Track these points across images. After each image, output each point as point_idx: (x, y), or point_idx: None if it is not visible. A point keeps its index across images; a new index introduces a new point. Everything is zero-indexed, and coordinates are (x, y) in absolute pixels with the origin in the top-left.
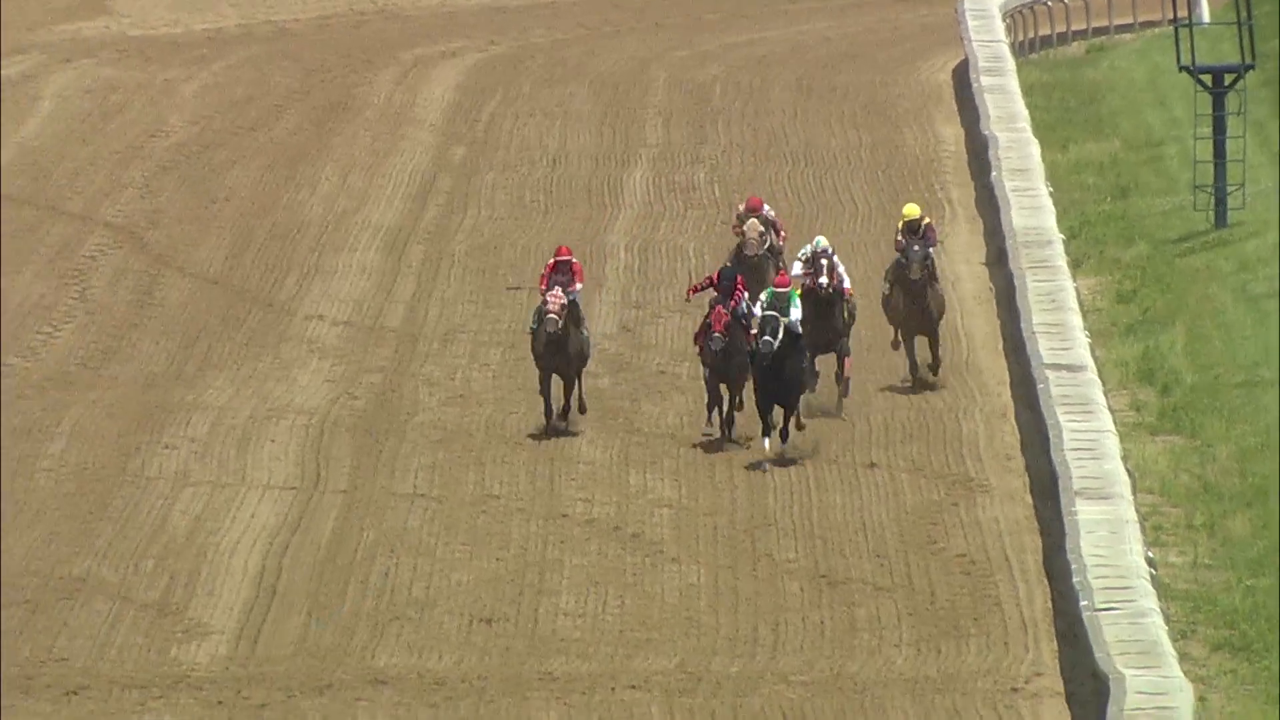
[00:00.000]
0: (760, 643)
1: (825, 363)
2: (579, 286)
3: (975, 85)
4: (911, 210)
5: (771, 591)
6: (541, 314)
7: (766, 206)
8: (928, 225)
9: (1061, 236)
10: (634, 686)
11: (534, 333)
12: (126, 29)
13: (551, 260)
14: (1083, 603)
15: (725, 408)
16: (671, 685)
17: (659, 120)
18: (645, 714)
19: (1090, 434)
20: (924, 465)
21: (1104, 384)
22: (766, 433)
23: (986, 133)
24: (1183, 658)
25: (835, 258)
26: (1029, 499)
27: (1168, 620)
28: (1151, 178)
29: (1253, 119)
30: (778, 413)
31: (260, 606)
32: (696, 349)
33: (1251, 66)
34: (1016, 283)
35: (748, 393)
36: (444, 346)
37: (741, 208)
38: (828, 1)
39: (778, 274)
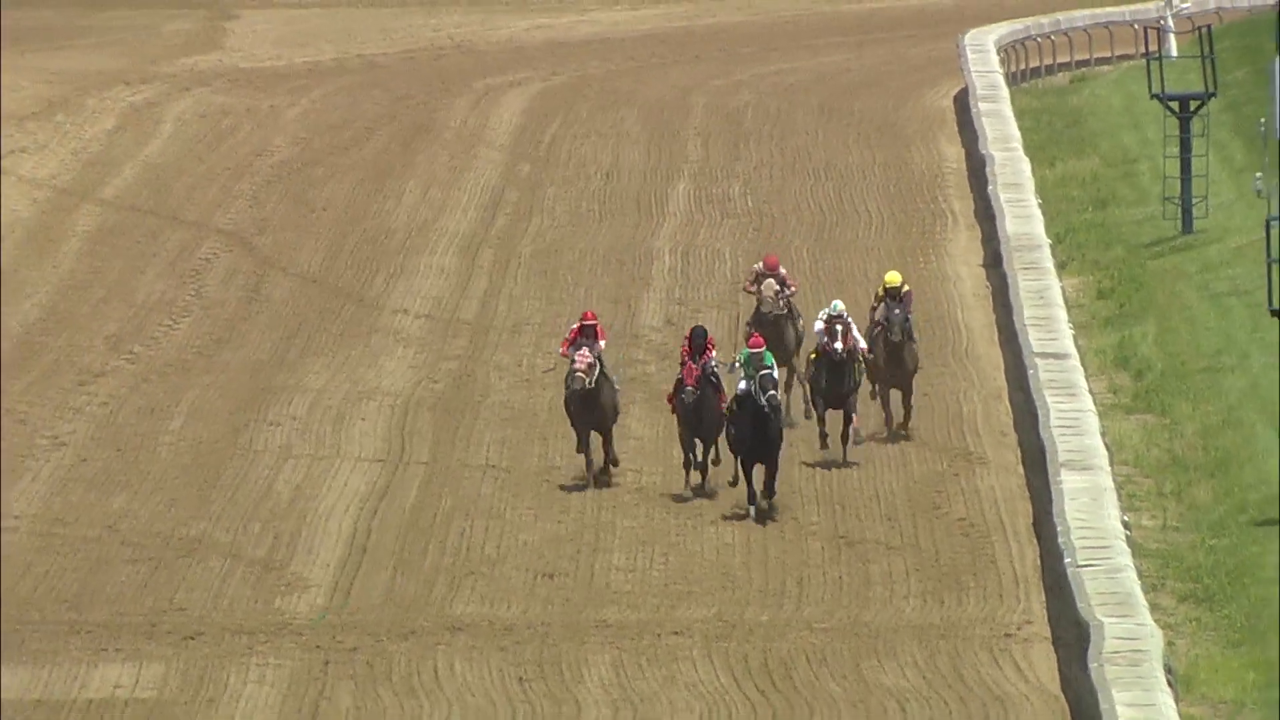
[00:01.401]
0: (787, 595)
1: (833, 419)
2: (603, 344)
3: (974, 110)
4: (893, 278)
5: (797, 550)
6: (571, 376)
7: (782, 268)
8: (907, 292)
9: (1049, 241)
10: (677, 633)
11: (567, 396)
12: (237, 62)
13: (576, 325)
14: (1067, 560)
15: (699, 456)
16: (710, 632)
17: (698, 140)
18: (687, 657)
19: (1073, 413)
20: (929, 440)
21: (1085, 370)
22: (752, 500)
23: (984, 151)
24: (1154, 608)
25: (850, 321)
26: (1020, 470)
27: (1140, 575)
28: (1127, 190)
29: (1215, 140)
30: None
31: (352, 563)
32: (670, 407)
33: (1213, 94)
34: (1009, 282)
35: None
36: (512, 337)
37: (759, 266)
38: (846, 38)
39: (797, 331)
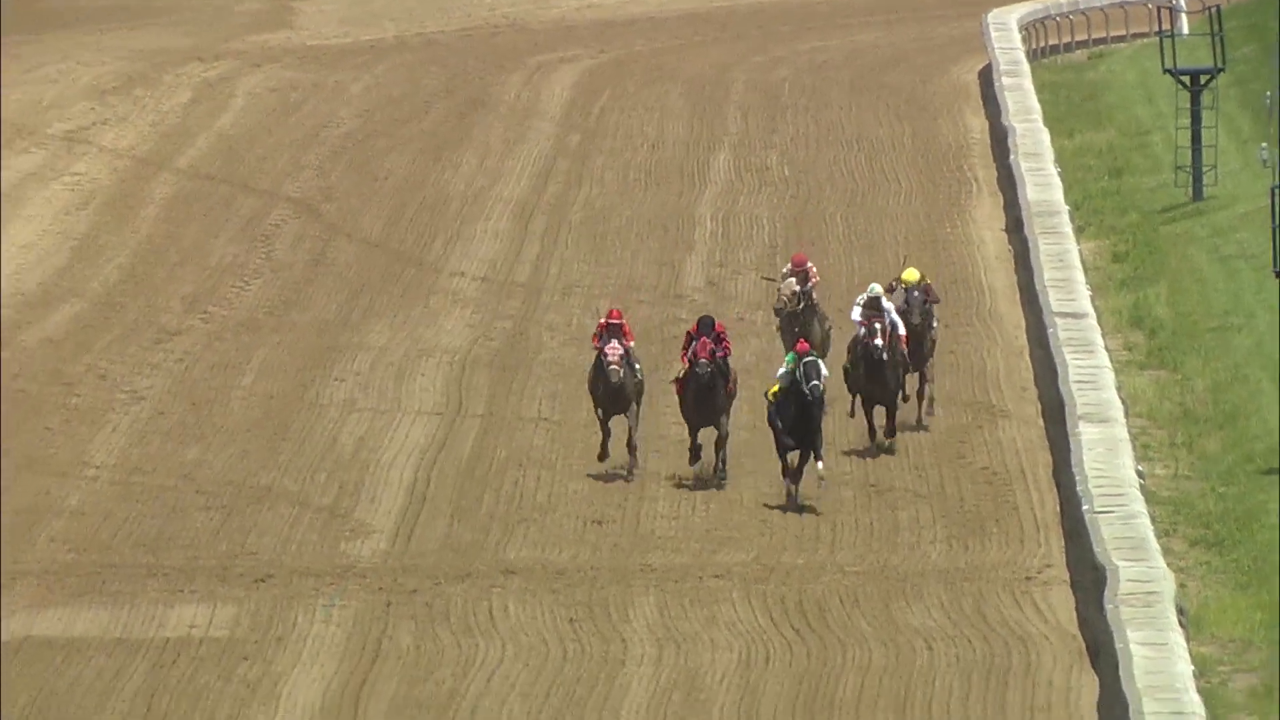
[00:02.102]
0: (820, 540)
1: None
2: (631, 344)
3: (997, 85)
4: (910, 275)
5: (829, 498)
6: (602, 366)
7: (810, 264)
8: (925, 286)
9: (1067, 208)
10: (718, 576)
11: (592, 380)
12: (305, 39)
13: (603, 320)
14: (1084, 507)
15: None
16: (748, 575)
17: (738, 113)
18: (727, 599)
19: (1091, 369)
20: (955, 395)
21: (1102, 328)
22: (788, 475)
23: (1006, 123)
24: (1166, 552)
25: (888, 307)
26: (1040, 422)
27: (1154, 521)
28: (1140, 160)
29: (1223, 112)
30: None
31: (412, 511)
32: (676, 390)
33: (1222, 69)
34: (1030, 246)
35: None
36: (563, 298)
37: (788, 266)
38: (877, 17)
39: (822, 325)
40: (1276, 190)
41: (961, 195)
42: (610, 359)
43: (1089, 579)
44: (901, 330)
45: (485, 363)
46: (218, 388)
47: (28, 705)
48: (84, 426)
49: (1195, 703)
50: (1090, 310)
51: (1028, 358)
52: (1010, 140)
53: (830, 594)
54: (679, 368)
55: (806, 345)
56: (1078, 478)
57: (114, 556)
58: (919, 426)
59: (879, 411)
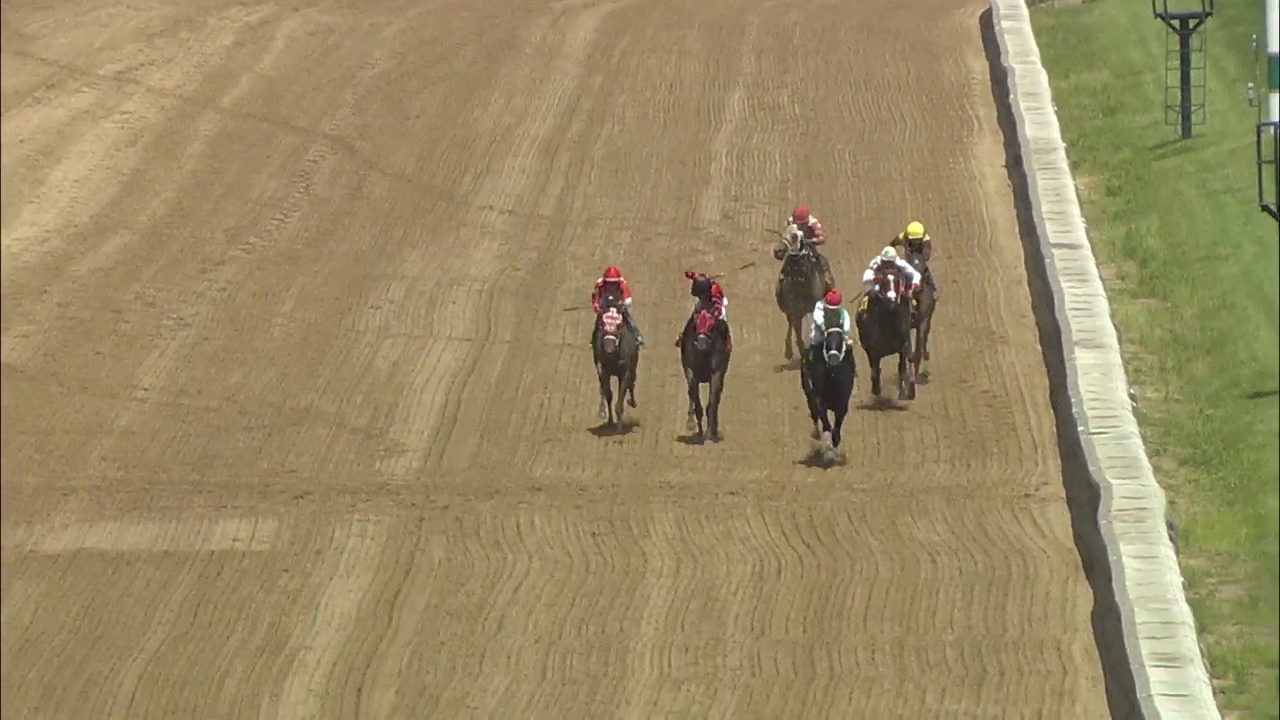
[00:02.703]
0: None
1: (888, 363)
2: (628, 301)
3: (997, 28)
4: (915, 229)
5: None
6: (600, 334)
7: (811, 217)
8: (927, 242)
9: (1064, 145)
10: (732, 493)
11: (594, 344)
12: None
13: (601, 280)
14: (1079, 428)
15: (706, 400)
16: (761, 491)
17: (752, 55)
18: (741, 514)
19: (1085, 297)
20: (957, 321)
21: (1096, 259)
22: (828, 428)
23: (1006, 64)
24: (1157, 470)
25: (901, 265)
26: (1038, 348)
27: (1145, 441)
28: (1133, 99)
29: (1211, 54)
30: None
31: (444, 431)
32: (679, 349)
33: (1210, 14)
34: (1028, 181)
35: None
36: (585, 230)
37: (790, 220)
38: None
39: (823, 276)
40: (1262, 128)
41: (963, 133)
42: (608, 329)
43: (1084, 496)
44: (916, 278)
45: (512, 291)
46: (259, 315)
47: (80, 614)
48: (133, 351)
49: (1184, 612)
50: (1085, 241)
51: (1026, 286)
52: (1010, 81)
53: (839, 510)
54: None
55: (837, 296)
56: (1073, 400)
57: (161, 474)
58: (907, 386)
59: (886, 363)
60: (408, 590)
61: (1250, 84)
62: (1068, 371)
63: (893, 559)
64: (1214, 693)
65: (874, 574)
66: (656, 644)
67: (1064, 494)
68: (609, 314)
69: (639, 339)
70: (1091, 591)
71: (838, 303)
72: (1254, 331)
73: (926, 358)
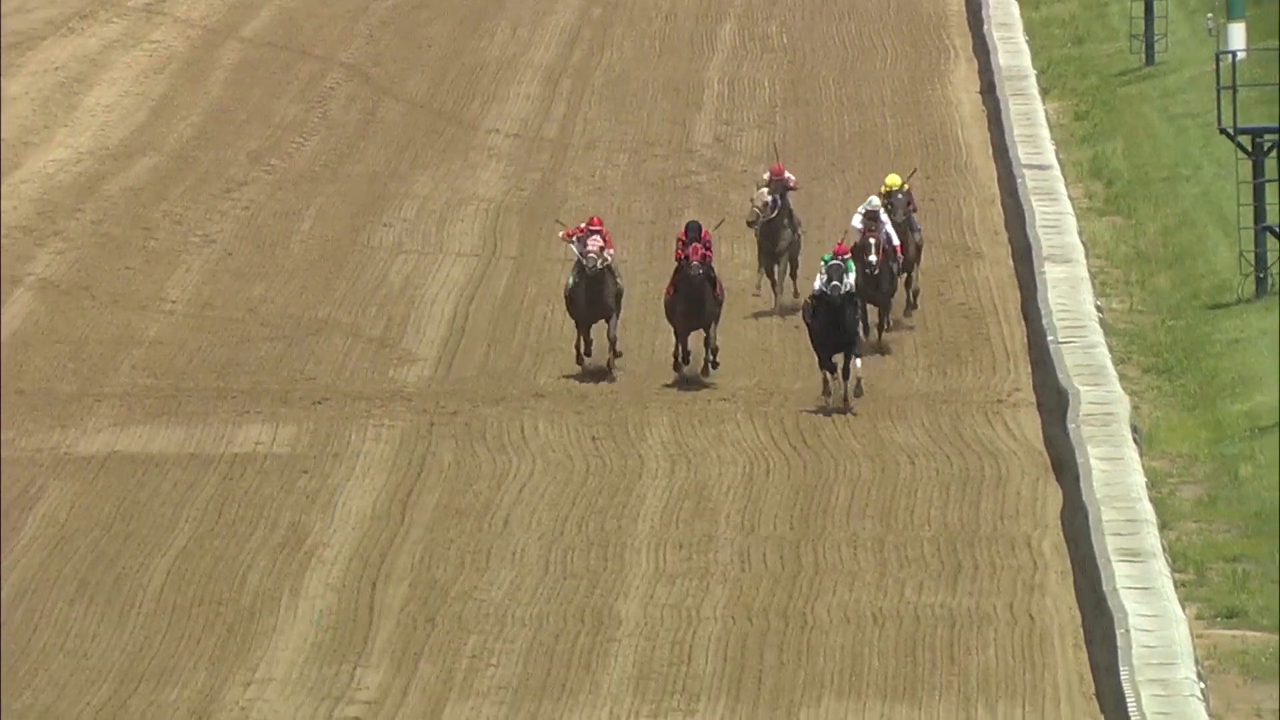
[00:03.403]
0: (815, 368)
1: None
2: (612, 251)
3: None
4: (892, 180)
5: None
6: (582, 261)
7: (788, 173)
8: (907, 191)
9: (1034, 72)
10: (724, 399)
11: (572, 287)
12: None
13: (582, 225)
14: (1049, 338)
15: (706, 345)
16: (751, 398)
17: None
18: (732, 419)
19: (1055, 215)
20: (934, 238)
21: (1065, 179)
22: (834, 371)
23: None
24: (1122, 378)
25: (884, 219)
26: (1010, 263)
27: (1111, 350)
28: (1099, 29)
29: None
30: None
31: (453, 341)
32: (666, 299)
33: None
34: (1001, 106)
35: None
36: (586, 152)
37: (765, 175)
38: None
39: (793, 231)
40: (1220, 56)
41: (941, 61)
42: (590, 249)
43: (1053, 401)
44: (896, 241)
45: (517, 210)
46: (279, 232)
47: (112, 512)
48: (161, 266)
49: (1147, 510)
50: (1054, 163)
51: (999, 205)
52: (984, 12)
53: (824, 415)
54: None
55: (844, 248)
56: (1043, 312)
57: (188, 381)
58: (902, 325)
59: (871, 312)
60: (419, 490)
61: (1210, 14)
62: (1038, 285)
63: (874, 461)
64: (1175, 585)
65: (856, 475)
66: (652, 540)
67: (1034, 400)
68: (591, 238)
69: (620, 282)
70: (1060, 491)
71: (843, 253)
72: (1213, 247)
73: (915, 306)
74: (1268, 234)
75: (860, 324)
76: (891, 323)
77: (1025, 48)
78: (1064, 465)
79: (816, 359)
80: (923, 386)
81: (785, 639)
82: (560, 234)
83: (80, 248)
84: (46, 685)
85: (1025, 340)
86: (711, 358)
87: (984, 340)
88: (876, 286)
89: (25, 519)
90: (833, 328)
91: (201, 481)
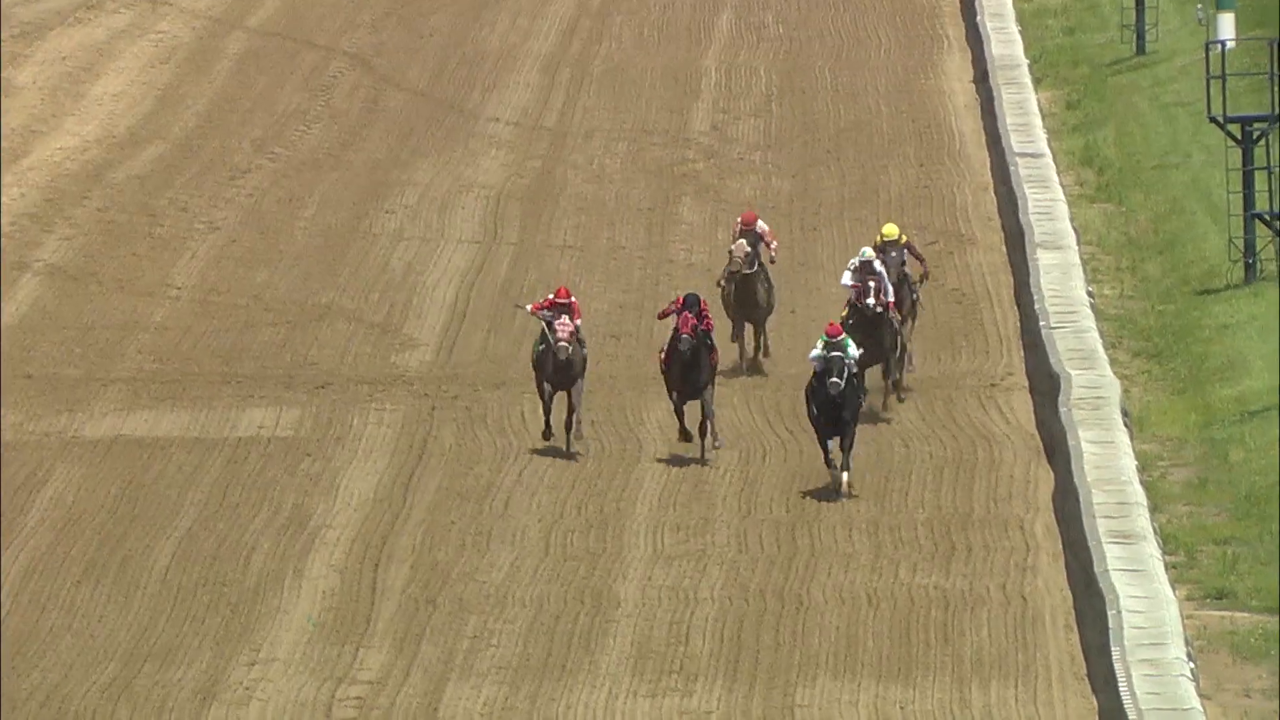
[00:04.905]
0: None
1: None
2: (579, 322)
3: None
4: (890, 230)
5: (821, 317)
6: (551, 340)
7: (760, 222)
8: (906, 243)
9: (1027, 61)
10: (720, 384)
11: (539, 355)
12: None
13: (550, 296)
14: (1041, 323)
15: (701, 419)
16: (748, 382)
17: None
18: (728, 403)
19: (1048, 202)
20: (929, 225)
21: (1057, 166)
22: (831, 465)
23: None
24: (1113, 362)
25: (881, 271)
26: (1004, 249)
27: (1102, 335)
28: (1091, 19)
29: None
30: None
31: (454, 326)
32: (662, 366)
33: None
34: (994, 94)
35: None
36: (585, 141)
37: (737, 224)
38: None
39: (768, 289)
40: (1210, 45)
41: (934, 50)
42: (561, 336)
43: (1046, 385)
44: (891, 297)
45: (517, 197)
46: (283, 219)
47: (118, 495)
48: (167, 253)
49: (1138, 493)
50: (1047, 151)
51: (992, 192)
52: (977, 2)
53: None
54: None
55: (837, 328)
56: (1036, 297)
57: (193, 366)
58: (895, 390)
59: (870, 373)
60: (421, 473)
61: (1199, 5)
62: (1030, 271)
63: (868, 444)
64: (1165, 567)
65: (851, 458)
66: (650, 523)
67: (1027, 384)
68: (561, 320)
69: (585, 351)
70: (1052, 474)
71: (838, 334)
72: (1202, 234)
73: (911, 367)
74: (1256, 221)
75: (859, 410)
76: (894, 386)
77: (1018, 37)
78: (1056, 448)
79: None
80: (917, 371)
81: (781, 620)
82: (529, 307)
83: (87, 234)
84: (53, 665)
85: (1018, 325)
86: (711, 441)
87: (977, 325)
88: (875, 336)
89: (32, 501)
90: (830, 412)
91: (206, 465)
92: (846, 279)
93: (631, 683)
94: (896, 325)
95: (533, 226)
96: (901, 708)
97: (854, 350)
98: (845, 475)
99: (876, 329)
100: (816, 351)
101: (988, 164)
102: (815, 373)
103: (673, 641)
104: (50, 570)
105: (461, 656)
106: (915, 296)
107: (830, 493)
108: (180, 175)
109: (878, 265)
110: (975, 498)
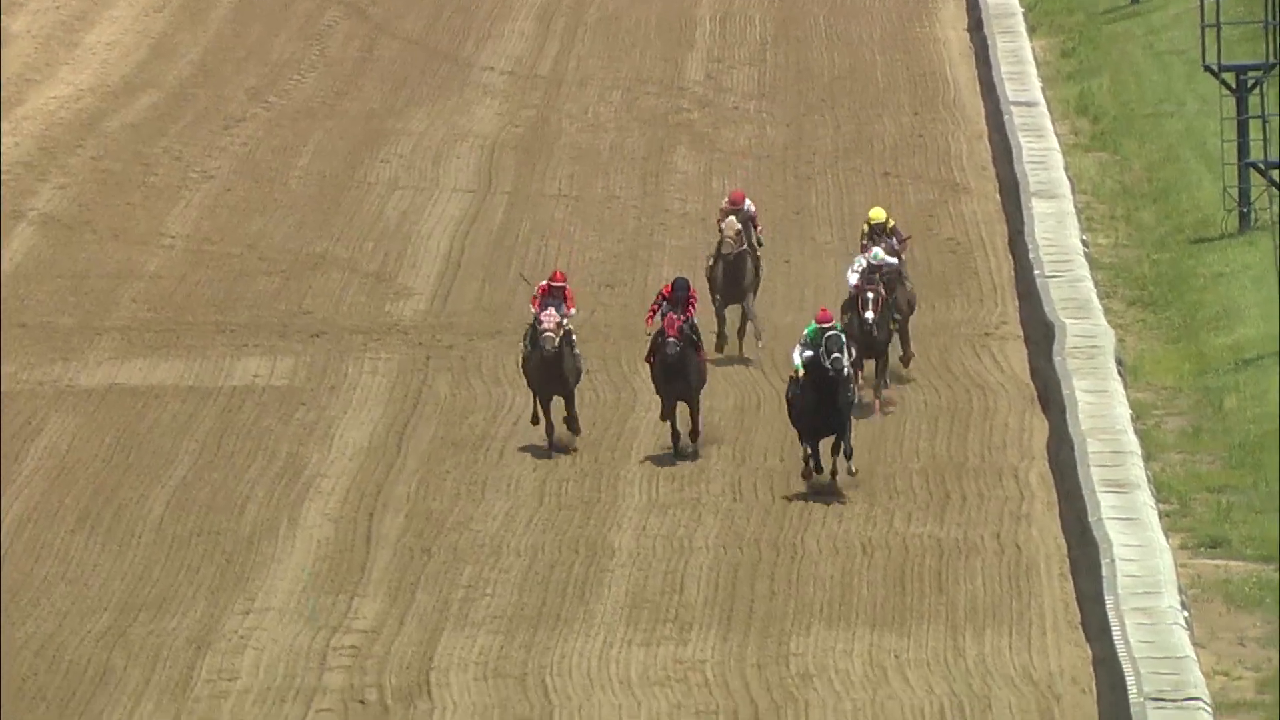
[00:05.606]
0: (805, 302)
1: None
2: (573, 311)
3: None
4: (877, 214)
5: (814, 265)
6: (536, 336)
7: (748, 201)
8: (893, 228)
9: (1022, 10)
10: (714, 333)
11: (527, 357)
12: None
13: (544, 283)
14: (1036, 272)
15: (686, 422)
16: (744, 327)
17: None
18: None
19: (1042, 150)
20: (923, 174)
21: (1051, 115)
22: (819, 469)
23: None
24: (1107, 311)
25: (888, 259)
26: (998, 197)
27: (1096, 284)
28: None
29: None
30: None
31: (448, 275)
32: (649, 364)
33: None
34: (989, 43)
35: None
36: (580, 89)
37: (725, 203)
38: None
39: (756, 271)
40: None
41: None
42: (545, 327)
43: (1040, 334)
44: (904, 267)
45: (512, 146)
46: (277, 168)
47: (113, 444)
48: (161, 201)
49: (1132, 442)
50: (1041, 99)
51: (987, 141)
52: None
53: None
54: (652, 328)
55: (828, 314)
56: (1030, 246)
57: (187, 315)
58: (901, 377)
59: (866, 366)
60: (415, 422)
61: None
62: (1025, 219)
63: (864, 392)
64: (1159, 516)
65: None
66: (645, 472)
67: (1021, 333)
68: (546, 312)
69: (578, 352)
70: (1046, 423)
71: (829, 320)
72: (1196, 182)
73: (912, 356)
74: (1251, 169)
75: (852, 399)
76: (889, 382)
77: None
78: (1050, 397)
79: (798, 435)
80: (911, 319)
81: (776, 569)
82: (531, 306)
83: (81, 183)
84: (48, 614)
85: (1012, 274)
86: (694, 445)
87: (971, 274)
88: (870, 342)
89: (27, 451)
90: (824, 406)
91: (200, 414)
92: (852, 280)
93: (626, 632)
94: (891, 319)
95: (527, 175)
96: (896, 656)
97: (846, 348)
98: (849, 463)
99: (871, 338)
100: (800, 347)
101: (982, 112)
102: (804, 364)
103: (667, 590)
104: (45, 519)
105: (456, 605)
106: (910, 292)
107: (826, 479)
108: (175, 124)
109: (885, 257)
110: (970, 447)
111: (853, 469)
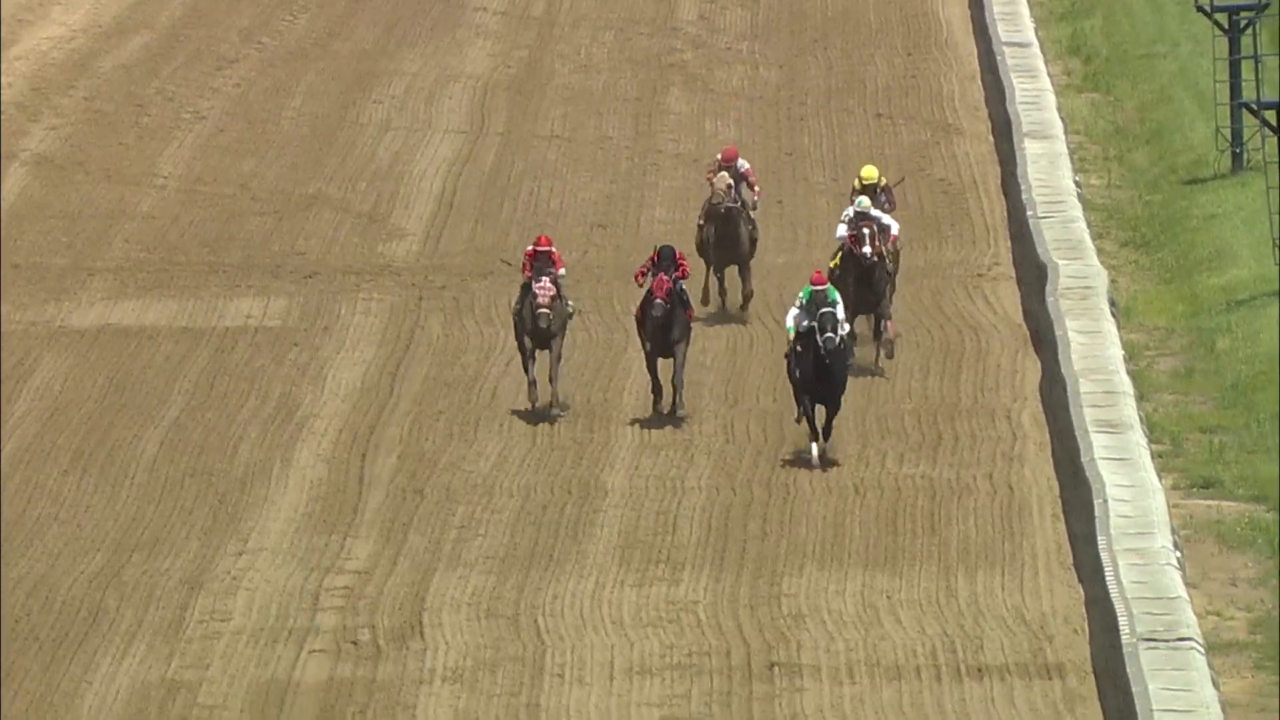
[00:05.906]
0: (798, 241)
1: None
2: (562, 272)
3: None
4: (869, 173)
5: (806, 206)
6: (532, 304)
7: (741, 160)
8: (885, 186)
9: None
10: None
11: (518, 315)
12: None
13: (531, 248)
14: (1028, 213)
15: (671, 379)
16: (734, 273)
17: None
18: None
19: (1035, 91)
20: (915, 114)
21: (1044, 55)
22: (815, 438)
23: None
24: (1100, 251)
25: (878, 215)
26: (991, 138)
27: (1089, 225)
28: None
29: None
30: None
31: (441, 216)
32: (637, 321)
33: None
34: None
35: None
36: (572, 30)
37: (718, 157)
38: None
39: (750, 227)
40: None
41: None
42: (541, 300)
43: (1032, 275)
44: (895, 230)
45: (504, 87)
46: (270, 108)
47: (105, 384)
48: (154, 142)
49: (1125, 382)
50: (1034, 40)
51: (979, 81)
52: None
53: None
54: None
55: (823, 277)
56: (1023, 187)
57: (180, 255)
58: (886, 346)
59: (860, 323)
60: (408, 363)
61: None
62: (1018, 160)
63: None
64: (1152, 456)
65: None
66: (637, 413)
67: (1014, 273)
68: (540, 283)
69: (570, 311)
70: (1039, 363)
71: (824, 283)
72: (1189, 123)
73: (896, 335)
74: (1243, 110)
75: (848, 374)
76: (883, 344)
77: None
78: (1043, 338)
79: (793, 391)
80: (904, 261)
81: (768, 509)
82: (524, 272)
83: (74, 124)
84: (41, 555)
85: (1005, 215)
86: (678, 402)
87: (964, 215)
88: (868, 283)
89: (20, 391)
90: (820, 378)
91: (193, 354)
92: (841, 230)
93: (619, 572)
94: (889, 270)
95: (520, 117)
96: (888, 596)
97: (840, 310)
98: (824, 444)
99: (870, 277)
100: (797, 312)
101: (975, 53)
102: (800, 333)
103: (660, 531)
104: (37, 460)
105: (449, 546)
106: (897, 246)
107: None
108: (167, 65)
109: (875, 212)
110: (962, 387)
111: (827, 451)
